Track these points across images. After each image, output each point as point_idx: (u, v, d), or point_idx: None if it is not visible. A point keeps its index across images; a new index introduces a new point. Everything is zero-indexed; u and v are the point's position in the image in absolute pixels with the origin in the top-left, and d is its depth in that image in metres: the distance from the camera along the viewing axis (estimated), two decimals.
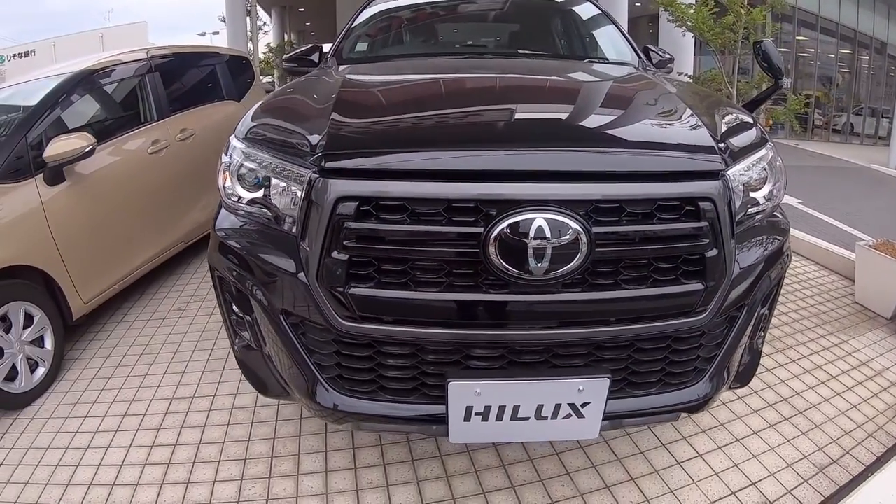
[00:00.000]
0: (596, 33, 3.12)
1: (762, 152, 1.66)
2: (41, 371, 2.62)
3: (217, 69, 4.56)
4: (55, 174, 2.76)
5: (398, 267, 1.37)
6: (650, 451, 2.11)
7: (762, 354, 2.77)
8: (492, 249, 1.30)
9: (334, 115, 1.60)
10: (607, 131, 1.70)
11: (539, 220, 1.29)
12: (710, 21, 4.81)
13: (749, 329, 1.68)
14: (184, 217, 3.81)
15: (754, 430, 2.25)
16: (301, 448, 2.13)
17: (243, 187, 1.61)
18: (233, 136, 1.73)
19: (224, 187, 1.67)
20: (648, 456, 2.09)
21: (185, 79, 4.23)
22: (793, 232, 4.51)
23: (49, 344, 2.68)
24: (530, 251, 1.29)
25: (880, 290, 3.35)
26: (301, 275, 1.44)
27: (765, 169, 1.64)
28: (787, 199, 5.93)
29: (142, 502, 1.90)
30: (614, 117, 1.84)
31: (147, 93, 3.62)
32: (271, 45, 24.10)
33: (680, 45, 7.19)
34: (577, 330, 1.43)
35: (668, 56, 2.82)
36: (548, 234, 1.28)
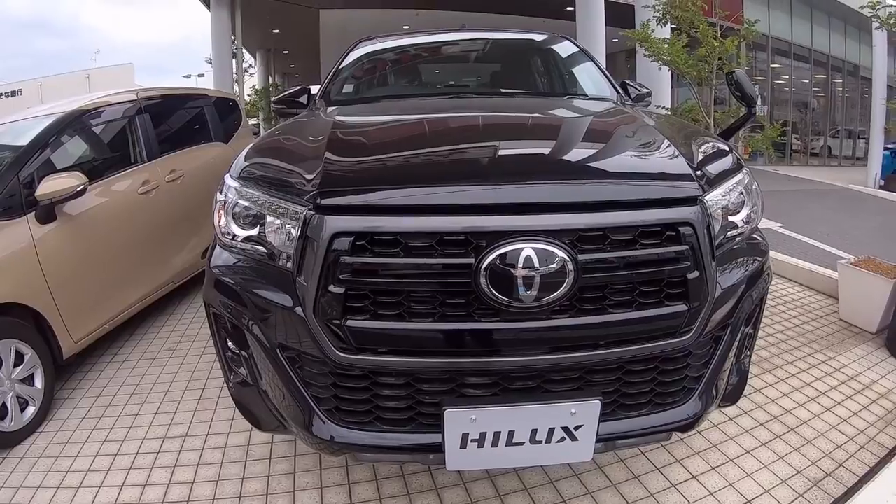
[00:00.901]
0: (575, 70, 3.22)
1: (738, 177, 1.73)
2: (31, 410, 2.60)
3: (205, 111, 4.61)
4: (47, 213, 2.77)
5: (393, 299, 1.41)
6: (644, 476, 2.12)
7: (750, 374, 2.82)
8: (483, 279, 1.34)
9: (327, 155, 1.65)
10: (589, 163, 1.76)
11: (527, 249, 1.33)
12: (684, 54, 4.97)
13: (734, 348, 1.72)
14: (173, 258, 3.82)
15: (747, 450, 2.27)
16: (297, 485, 2.11)
17: (238, 225, 1.64)
18: (227, 175, 1.76)
19: (219, 225, 1.70)
20: (643, 480, 2.10)
21: (175, 120, 4.28)
22: (776, 255, 4.61)
23: (39, 383, 2.66)
24: (519, 280, 1.33)
25: (864, 306, 3.41)
26: (298, 309, 1.47)
27: (742, 193, 1.71)
28: (769, 224, 6.10)
29: None
30: (595, 150, 1.91)
31: (137, 134, 3.67)
32: (256, 87, 24.35)
33: (657, 79, 7.34)
34: (567, 354, 1.46)
35: (645, 90, 2.92)
36: (536, 264, 1.33)
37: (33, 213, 2.73)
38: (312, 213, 1.45)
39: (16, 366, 2.54)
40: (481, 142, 1.91)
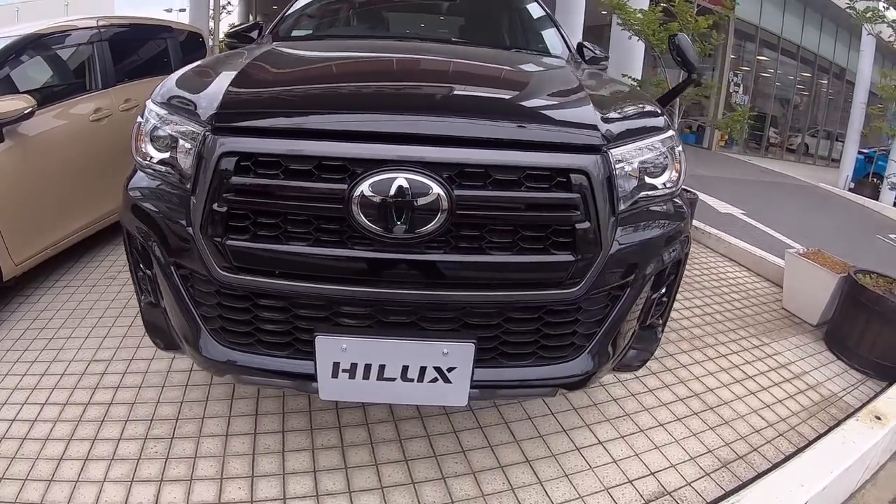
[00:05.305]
0: (530, 28, 3.17)
1: (660, 137, 1.68)
2: None
3: (168, 43, 4.54)
4: None
5: (271, 220, 1.42)
6: (550, 436, 2.14)
7: (678, 349, 2.83)
8: (354, 207, 1.34)
9: (234, 81, 1.66)
10: (488, 104, 1.74)
11: (400, 179, 1.33)
12: (656, 25, 4.89)
13: (639, 311, 1.71)
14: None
15: (660, 422, 2.28)
16: (206, 412, 2.15)
17: (155, 148, 1.65)
18: (149, 100, 1.77)
19: (137, 147, 1.71)
20: (547, 440, 2.12)
21: (135, 50, 4.20)
22: (726, 238, 4.63)
23: None
24: (389, 210, 1.33)
25: (807, 298, 3.43)
26: (189, 228, 1.49)
27: (664, 155, 1.67)
28: (731, 209, 6.07)
29: (49, 455, 1.92)
30: (503, 94, 1.88)
31: (94, 60, 3.60)
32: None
33: (628, 49, 7.16)
34: (441, 292, 1.46)
35: (601, 54, 2.85)
36: (408, 195, 1.33)
37: None
38: (209, 134, 1.46)
39: None
40: (386, 80, 1.89)
